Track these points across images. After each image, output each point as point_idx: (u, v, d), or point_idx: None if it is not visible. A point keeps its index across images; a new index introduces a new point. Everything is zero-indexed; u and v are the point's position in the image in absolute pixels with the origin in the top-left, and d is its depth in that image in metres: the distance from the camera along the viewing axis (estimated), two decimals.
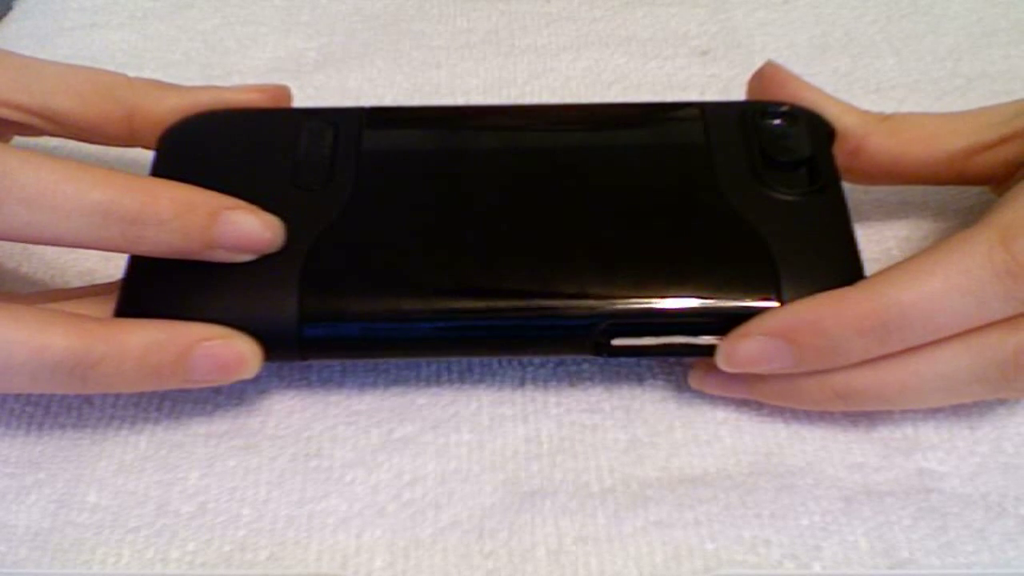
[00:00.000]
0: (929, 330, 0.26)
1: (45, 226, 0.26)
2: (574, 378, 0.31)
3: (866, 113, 0.32)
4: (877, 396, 0.28)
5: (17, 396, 0.30)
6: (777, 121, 0.31)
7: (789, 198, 0.29)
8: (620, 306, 0.27)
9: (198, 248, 0.27)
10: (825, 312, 0.26)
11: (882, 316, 0.26)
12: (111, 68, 0.33)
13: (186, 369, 0.27)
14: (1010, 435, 0.29)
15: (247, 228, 0.28)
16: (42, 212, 0.26)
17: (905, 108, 0.39)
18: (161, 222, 0.27)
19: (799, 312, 0.27)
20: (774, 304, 0.27)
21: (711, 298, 0.27)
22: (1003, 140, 0.30)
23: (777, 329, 0.27)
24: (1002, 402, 0.29)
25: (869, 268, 0.28)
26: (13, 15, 0.45)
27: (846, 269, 0.28)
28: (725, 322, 0.27)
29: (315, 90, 0.41)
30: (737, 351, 0.27)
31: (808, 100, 0.31)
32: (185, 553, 0.27)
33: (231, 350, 0.27)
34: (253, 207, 0.28)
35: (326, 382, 0.31)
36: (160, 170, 0.31)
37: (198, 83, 0.33)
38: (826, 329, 0.26)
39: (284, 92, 0.34)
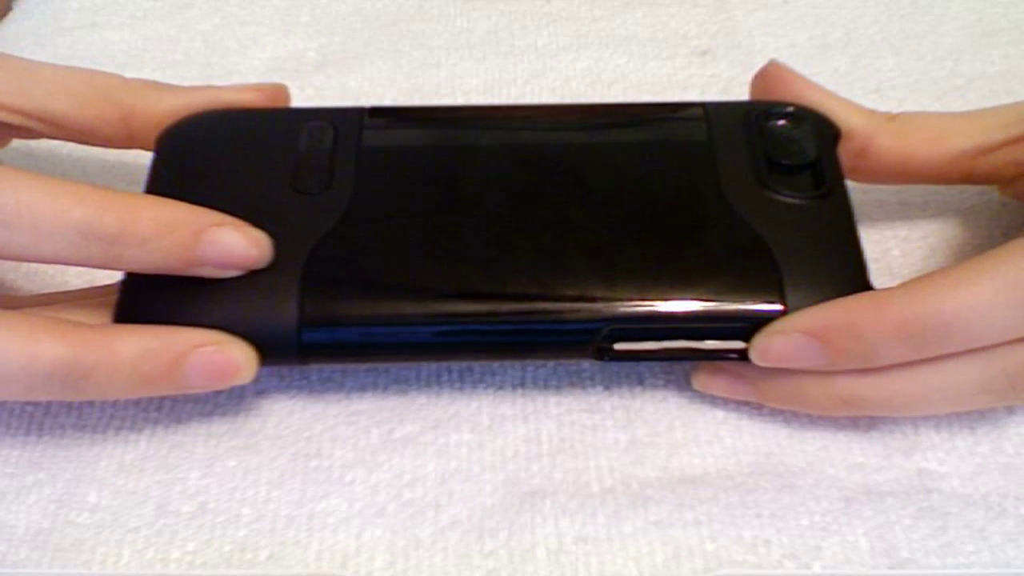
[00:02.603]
0: (969, 340, 0.26)
1: (24, 246, 0.26)
2: (574, 378, 0.31)
3: (872, 113, 0.31)
4: (883, 403, 0.27)
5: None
6: (782, 122, 0.31)
7: (793, 202, 0.29)
8: (623, 311, 0.27)
9: (181, 266, 0.27)
10: (864, 315, 0.26)
11: (922, 323, 0.25)
12: (111, 68, 0.33)
13: (180, 376, 0.27)
14: (1010, 435, 0.29)
15: (232, 247, 0.27)
16: (21, 232, 0.25)
17: (905, 108, 0.39)
18: (142, 242, 0.26)
19: (836, 313, 0.26)
20: (778, 308, 0.27)
21: (715, 303, 0.27)
22: (1012, 141, 0.30)
23: (813, 328, 0.26)
24: None
25: (869, 268, 0.28)
26: (13, 15, 0.45)
27: (851, 274, 0.28)
28: (728, 327, 0.27)
29: (315, 90, 0.41)
30: (771, 346, 0.27)
31: (813, 100, 0.31)
32: (185, 553, 0.27)
33: (225, 356, 0.27)
34: (240, 223, 0.28)
35: (326, 382, 0.31)
36: (157, 172, 0.30)
37: (198, 83, 0.33)
38: (863, 332, 0.26)
39: (282, 91, 0.34)
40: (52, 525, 0.28)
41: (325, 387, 0.31)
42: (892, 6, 0.44)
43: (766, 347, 0.27)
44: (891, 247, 0.34)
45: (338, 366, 0.31)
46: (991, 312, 0.25)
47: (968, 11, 0.43)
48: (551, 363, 0.31)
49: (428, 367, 0.31)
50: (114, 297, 0.28)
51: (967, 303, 0.25)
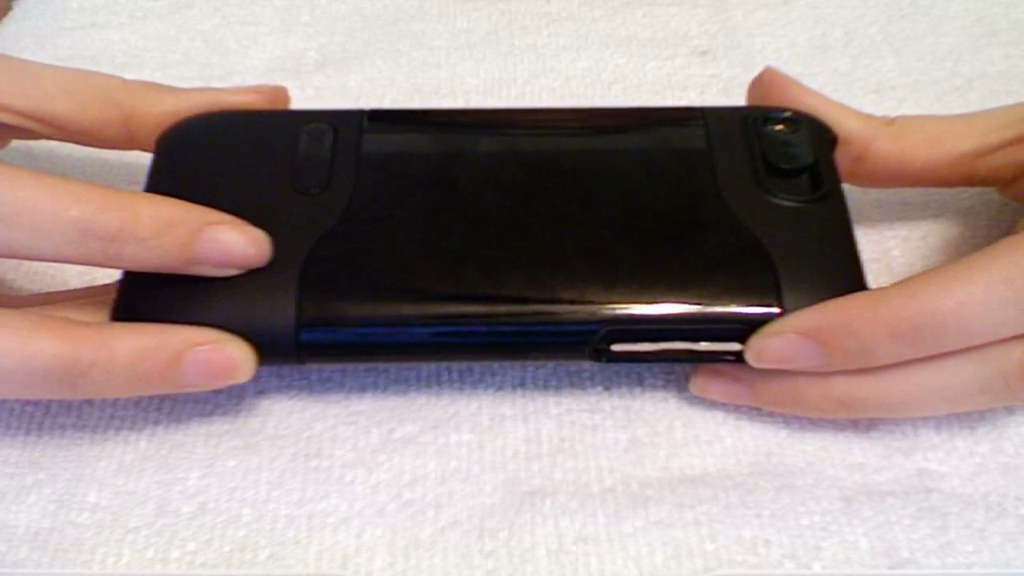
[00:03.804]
0: (964, 337, 0.26)
1: (23, 243, 0.26)
2: (574, 378, 0.31)
3: (870, 117, 0.31)
4: (880, 405, 0.27)
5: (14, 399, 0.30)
6: (779, 127, 0.31)
7: (791, 205, 0.29)
8: (620, 312, 0.27)
9: (180, 265, 0.27)
10: (858, 315, 0.26)
11: (917, 321, 0.25)
12: (111, 68, 0.33)
13: (177, 375, 0.27)
14: (1010, 435, 0.29)
15: (230, 245, 0.27)
16: (20, 230, 0.25)
17: (905, 108, 0.39)
18: (141, 240, 0.26)
19: (832, 313, 0.26)
20: (775, 311, 0.27)
21: (712, 305, 0.27)
22: (1011, 142, 0.30)
23: (809, 329, 0.26)
24: None
25: (869, 268, 0.28)
26: (13, 15, 0.45)
27: (847, 276, 0.28)
28: (725, 329, 0.27)
29: (315, 90, 0.41)
30: (767, 348, 0.27)
31: (810, 105, 0.31)
32: (185, 553, 0.27)
33: (223, 355, 0.27)
34: (239, 222, 0.28)
35: (326, 382, 0.31)
36: (157, 173, 0.30)
37: (198, 83, 0.33)
38: (858, 331, 0.26)
39: (282, 93, 0.34)
40: (52, 525, 0.28)
41: (325, 387, 0.31)
42: (892, 6, 0.44)
43: (762, 348, 0.27)
44: (891, 247, 0.34)
45: (337, 366, 0.31)
46: (985, 309, 0.25)
47: (968, 11, 0.43)
48: (551, 364, 0.31)
49: (428, 367, 0.31)
50: (113, 296, 0.28)
51: (961, 300, 0.25)
